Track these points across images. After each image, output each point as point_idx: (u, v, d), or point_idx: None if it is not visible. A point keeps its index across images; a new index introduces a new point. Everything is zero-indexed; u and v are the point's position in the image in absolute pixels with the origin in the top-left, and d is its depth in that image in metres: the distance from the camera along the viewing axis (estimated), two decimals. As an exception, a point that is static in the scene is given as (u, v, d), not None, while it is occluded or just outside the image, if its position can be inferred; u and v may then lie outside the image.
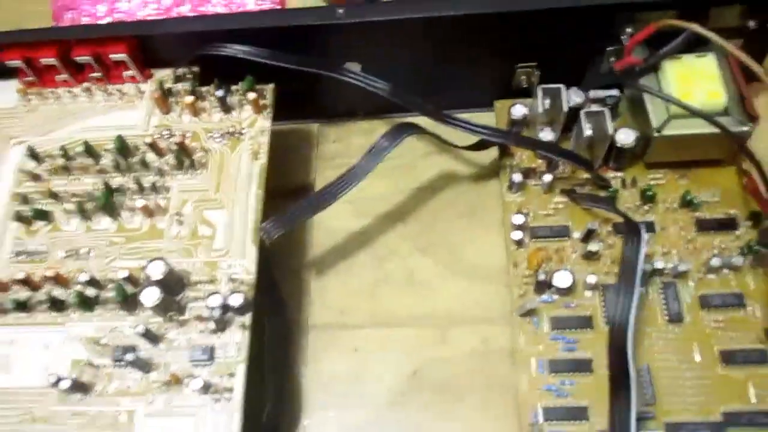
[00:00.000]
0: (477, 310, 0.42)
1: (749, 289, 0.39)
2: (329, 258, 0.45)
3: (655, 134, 0.40)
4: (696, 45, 0.40)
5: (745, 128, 0.39)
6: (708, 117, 0.37)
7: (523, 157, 0.45)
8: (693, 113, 0.37)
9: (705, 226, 0.41)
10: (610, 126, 0.40)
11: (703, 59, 0.40)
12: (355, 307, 0.43)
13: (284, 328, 0.42)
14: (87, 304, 0.37)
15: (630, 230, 0.34)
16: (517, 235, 0.41)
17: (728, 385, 0.37)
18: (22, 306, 0.37)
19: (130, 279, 0.37)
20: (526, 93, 0.46)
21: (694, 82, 0.40)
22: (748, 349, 0.38)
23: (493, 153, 0.46)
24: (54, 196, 0.41)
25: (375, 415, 0.40)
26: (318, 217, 0.46)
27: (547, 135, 0.43)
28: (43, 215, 0.40)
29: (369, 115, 0.50)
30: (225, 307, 0.35)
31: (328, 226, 0.46)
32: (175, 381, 0.34)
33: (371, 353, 0.42)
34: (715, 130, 0.39)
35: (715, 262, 0.39)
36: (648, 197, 0.41)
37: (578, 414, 0.37)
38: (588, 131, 0.41)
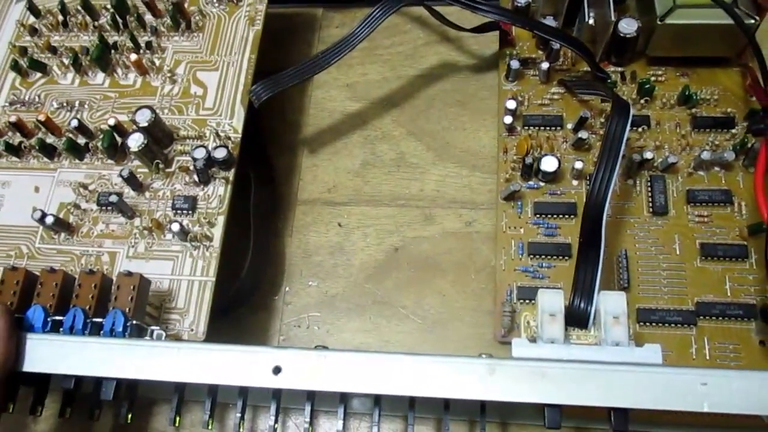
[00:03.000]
0: (463, 194, 0.43)
1: (738, 187, 0.39)
2: (323, 137, 0.45)
3: (658, 22, 0.39)
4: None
5: (751, 21, 0.38)
6: (718, 0, 0.36)
7: (523, 47, 0.44)
8: (701, -3, 0.36)
9: (701, 124, 0.40)
10: (612, 13, 0.39)
11: (716, -52, 0.39)
12: (343, 185, 0.44)
13: (273, 199, 0.43)
14: (77, 150, 0.37)
15: (618, 107, 0.34)
16: (509, 119, 0.41)
17: (705, 277, 0.37)
18: (14, 150, 0.38)
19: (119, 129, 0.37)
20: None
21: (703, -30, 0.38)
22: (729, 244, 0.37)
23: (493, 45, 0.45)
24: (52, 50, 0.41)
25: (354, 287, 0.41)
26: (315, 98, 0.47)
27: (549, 24, 0.42)
28: (40, 66, 0.40)
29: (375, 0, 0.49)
30: (209, 160, 0.36)
31: (325, 107, 0.46)
32: (157, 227, 0.35)
33: (355, 229, 0.42)
34: (720, 21, 0.37)
35: (705, 155, 0.38)
36: (646, 90, 0.41)
37: (552, 294, 0.37)
38: (590, 18, 0.40)
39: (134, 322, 0.30)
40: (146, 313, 0.32)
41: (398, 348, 0.39)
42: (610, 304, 0.29)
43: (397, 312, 0.40)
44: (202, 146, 0.36)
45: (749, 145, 0.38)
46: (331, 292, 0.41)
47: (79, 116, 0.39)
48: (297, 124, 0.46)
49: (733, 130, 0.40)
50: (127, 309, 0.31)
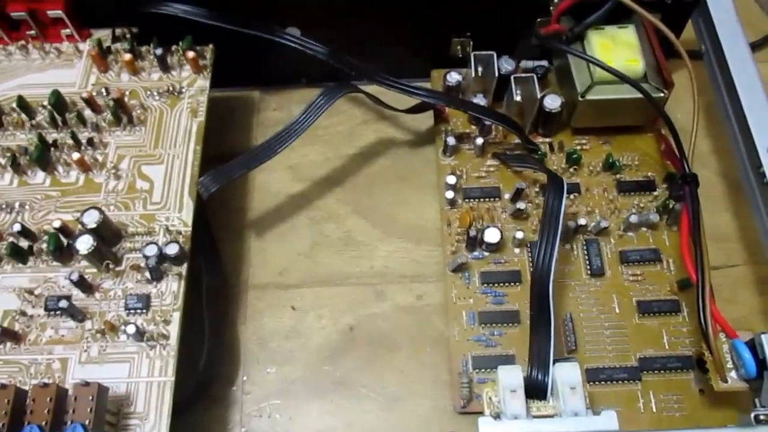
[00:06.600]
0: (412, 268, 0.44)
1: (665, 245, 0.42)
2: (269, 221, 0.46)
3: (580, 99, 0.42)
4: (619, 17, 0.43)
5: (660, 94, 0.41)
6: (628, 79, 0.40)
7: (457, 123, 0.46)
8: (615, 75, 0.40)
9: (625, 188, 0.43)
10: (537, 91, 0.43)
11: (624, 30, 0.43)
12: (294, 267, 0.44)
13: (223, 287, 0.43)
14: (20, 254, 0.36)
15: (553, 183, 0.36)
16: (450, 194, 0.43)
17: (644, 333, 0.40)
18: (-48, 258, 0.37)
19: (65, 230, 0.37)
20: (462, 63, 0.48)
21: (615, 50, 0.42)
22: (662, 300, 0.40)
23: (428, 121, 0.48)
24: (-14, 151, 0.40)
25: (312, 369, 0.41)
26: (259, 181, 0.48)
27: (479, 101, 0.45)
28: (-25, 169, 0.39)
29: (311, 83, 0.51)
30: (161, 257, 0.36)
31: (269, 190, 0.47)
32: (110, 329, 0.35)
33: (309, 311, 0.43)
34: (635, 95, 0.41)
35: (634, 219, 0.41)
36: (573, 160, 0.44)
37: (506, 362, 0.39)
38: (518, 96, 0.43)
39: (95, 434, 0.29)
40: (105, 421, 0.31)
41: (362, 429, 0.39)
42: (565, 375, 0.30)
43: (357, 392, 0.40)
44: (153, 243, 0.36)
45: (671, 207, 0.41)
46: (290, 377, 0.41)
47: (20, 218, 0.38)
48: (242, 208, 0.46)
49: (655, 192, 0.43)
50: (87, 421, 0.30)
